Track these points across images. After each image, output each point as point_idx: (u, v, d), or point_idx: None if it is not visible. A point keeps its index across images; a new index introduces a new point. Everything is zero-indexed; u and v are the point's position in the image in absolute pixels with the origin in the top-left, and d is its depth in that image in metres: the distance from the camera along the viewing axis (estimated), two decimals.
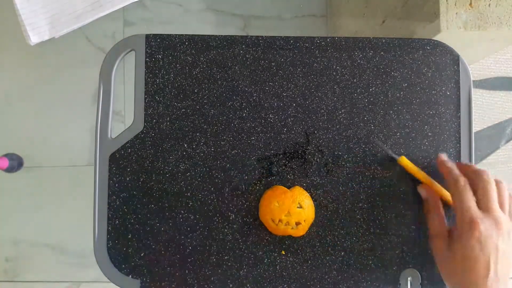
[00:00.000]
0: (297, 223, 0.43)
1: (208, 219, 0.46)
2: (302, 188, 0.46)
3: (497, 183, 0.41)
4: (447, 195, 0.44)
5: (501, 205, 0.40)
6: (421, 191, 0.45)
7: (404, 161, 0.46)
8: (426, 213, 0.45)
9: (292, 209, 0.43)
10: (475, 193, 0.40)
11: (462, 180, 0.41)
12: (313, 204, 0.45)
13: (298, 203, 0.43)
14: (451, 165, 0.43)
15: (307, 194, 0.45)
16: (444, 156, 0.45)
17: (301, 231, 0.44)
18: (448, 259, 0.41)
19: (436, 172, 0.46)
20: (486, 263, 0.38)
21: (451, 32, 0.53)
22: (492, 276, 0.38)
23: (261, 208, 0.45)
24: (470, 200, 0.40)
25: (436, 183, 0.46)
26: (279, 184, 0.46)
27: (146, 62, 0.47)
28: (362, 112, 0.47)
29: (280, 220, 0.43)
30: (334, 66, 0.48)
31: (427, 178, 0.46)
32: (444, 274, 0.42)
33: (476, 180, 0.41)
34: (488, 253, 0.38)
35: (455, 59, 0.48)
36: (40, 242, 1.06)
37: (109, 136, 0.47)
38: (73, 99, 1.04)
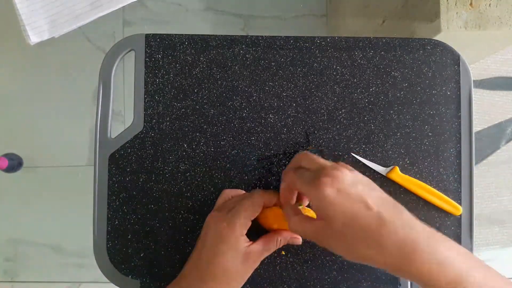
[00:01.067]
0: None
1: None
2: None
3: (302, 154, 0.39)
4: None
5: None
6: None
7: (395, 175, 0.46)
8: (287, 219, 0.39)
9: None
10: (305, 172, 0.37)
11: (287, 174, 0.38)
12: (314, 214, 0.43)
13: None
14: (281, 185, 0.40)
15: (308, 209, 0.43)
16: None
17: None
18: (328, 227, 0.34)
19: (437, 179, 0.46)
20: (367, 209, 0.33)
21: (452, 32, 0.53)
22: (383, 218, 0.32)
23: (260, 218, 0.43)
24: (302, 174, 0.36)
25: (435, 190, 0.46)
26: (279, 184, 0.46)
27: (145, 62, 0.47)
28: (362, 112, 0.47)
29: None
30: (334, 66, 0.48)
31: (426, 187, 0.46)
32: (336, 247, 0.35)
33: (296, 163, 0.38)
34: (358, 192, 0.33)
35: (456, 59, 0.48)
36: (40, 242, 1.06)
37: (108, 136, 0.47)
38: (72, 99, 1.04)
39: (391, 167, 0.46)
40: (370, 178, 0.37)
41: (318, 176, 0.34)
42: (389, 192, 0.45)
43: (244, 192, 0.45)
